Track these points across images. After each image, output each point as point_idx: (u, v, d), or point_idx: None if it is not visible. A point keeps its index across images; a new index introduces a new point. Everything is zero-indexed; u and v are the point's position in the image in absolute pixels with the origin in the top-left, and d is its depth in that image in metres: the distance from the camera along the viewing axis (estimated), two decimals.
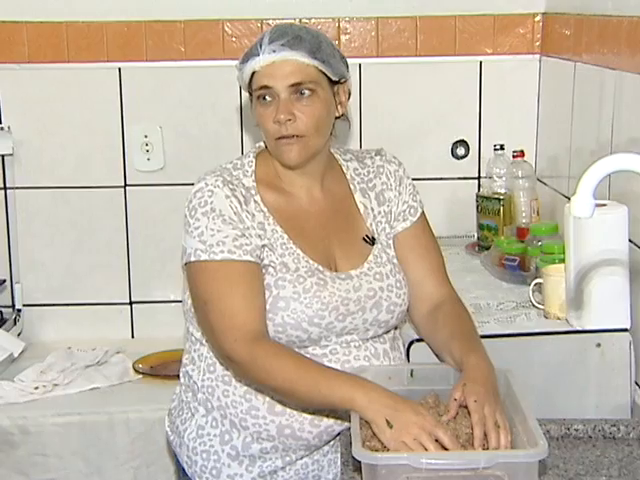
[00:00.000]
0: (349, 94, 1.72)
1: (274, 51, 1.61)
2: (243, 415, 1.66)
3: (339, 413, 1.63)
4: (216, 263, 1.59)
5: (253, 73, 1.64)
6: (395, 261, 1.72)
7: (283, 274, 1.62)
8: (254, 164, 1.70)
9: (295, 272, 1.62)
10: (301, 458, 1.69)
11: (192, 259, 1.62)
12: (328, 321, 1.62)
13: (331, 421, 1.65)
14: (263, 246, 1.62)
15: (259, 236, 1.62)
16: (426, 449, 1.38)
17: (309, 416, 1.64)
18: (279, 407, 1.64)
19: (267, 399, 1.64)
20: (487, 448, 1.41)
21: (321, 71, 1.63)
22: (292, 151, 1.63)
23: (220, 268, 1.59)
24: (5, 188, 2.71)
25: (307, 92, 1.62)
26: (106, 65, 2.65)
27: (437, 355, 1.69)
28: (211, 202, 1.61)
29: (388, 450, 1.41)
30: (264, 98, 1.63)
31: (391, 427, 1.41)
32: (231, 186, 1.63)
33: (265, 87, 1.62)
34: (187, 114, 2.69)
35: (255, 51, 1.63)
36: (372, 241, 1.71)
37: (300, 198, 1.70)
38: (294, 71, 1.61)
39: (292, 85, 1.61)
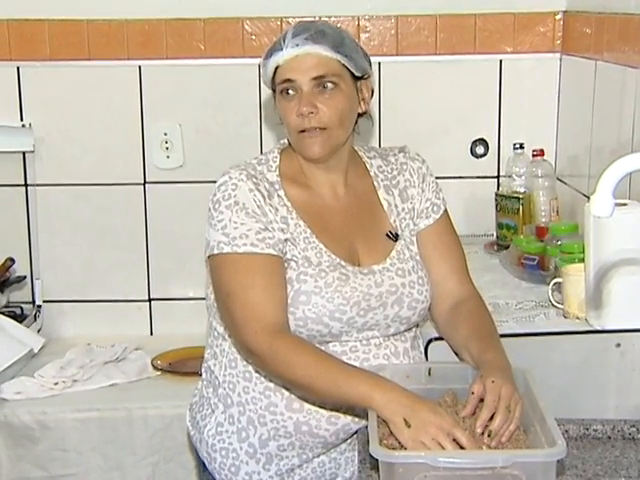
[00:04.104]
0: (372, 92, 1.72)
1: (297, 45, 1.62)
2: (262, 411, 1.66)
3: (356, 411, 1.63)
4: (239, 256, 1.60)
5: (276, 68, 1.65)
6: (418, 258, 1.73)
7: (305, 268, 1.62)
8: (278, 159, 1.71)
9: (317, 266, 1.63)
10: (318, 456, 1.70)
11: (215, 252, 1.62)
12: (349, 316, 1.62)
13: (348, 419, 1.65)
14: (286, 240, 1.63)
15: (282, 230, 1.63)
16: (444, 449, 1.38)
17: (326, 414, 1.64)
18: (297, 404, 1.64)
19: (285, 396, 1.65)
20: (490, 435, 1.42)
21: (344, 66, 1.64)
22: (315, 144, 1.64)
23: (243, 261, 1.60)
24: (26, 185, 2.73)
25: (330, 85, 1.63)
26: (126, 63, 2.67)
27: (456, 353, 1.69)
28: (235, 195, 1.62)
29: (406, 449, 1.41)
30: (287, 92, 1.64)
31: (409, 427, 1.41)
32: (255, 180, 1.64)
33: (288, 80, 1.63)
34: (207, 112, 2.70)
35: (278, 46, 1.64)
36: (395, 237, 1.72)
37: (324, 194, 1.71)
38: (317, 64, 1.62)
39: (315, 78, 1.62)
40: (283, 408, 1.65)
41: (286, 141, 1.74)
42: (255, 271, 1.59)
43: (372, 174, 1.76)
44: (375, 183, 1.75)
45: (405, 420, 1.42)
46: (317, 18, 2.60)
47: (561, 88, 2.67)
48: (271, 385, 1.65)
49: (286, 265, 1.63)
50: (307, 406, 1.64)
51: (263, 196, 1.63)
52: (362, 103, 1.70)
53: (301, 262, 1.63)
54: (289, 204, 1.66)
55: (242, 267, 1.60)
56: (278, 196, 1.66)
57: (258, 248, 1.60)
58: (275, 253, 1.61)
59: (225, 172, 1.66)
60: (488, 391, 1.46)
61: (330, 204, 1.71)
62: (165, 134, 2.71)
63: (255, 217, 1.61)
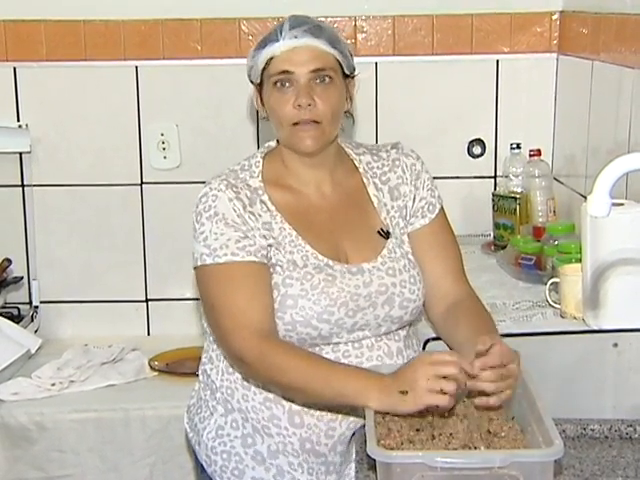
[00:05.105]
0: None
1: (296, 37, 1.61)
2: (265, 422, 1.65)
3: (351, 412, 1.63)
4: (220, 266, 1.60)
5: (270, 59, 1.63)
6: (410, 257, 1.71)
7: (290, 272, 1.62)
8: (261, 164, 1.70)
9: (303, 269, 1.62)
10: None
11: (198, 263, 1.63)
12: (337, 317, 1.62)
13: (344, 428, 1.65)
14: (269, 246, 1.62)
15: (264, 236, 1.62)
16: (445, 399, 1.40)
17: (324, 427, 1.64)
18: (298, 418, 1.64)
19: (287, 408, 1.64)
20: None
21: (338, 62, 1.64)
22: (309, 137, 1.63)
23: (224, 271, 1.60)
24: (23, 185, 2.72)
25: (327, 79, 1.63)
26: (123, 63, 2.67)
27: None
28: (215, 206, 1.61)
29: (403, 446, 1.40)
30: (282, 84, 1.63)
31: (406, 393, 1.42)
32: (235, 189, 1.63)
33: (285, 72, 1.62)
34: (203, 112, 2.70)
35: (274, 37, 1.63)
36: (387, 235, 1.71)
37: (309, 194, 1.70)
38: (315, 57, 1.62)
39: (313, 71, 1.61)
40: (287, 422, 1.64)
41: (271, 144, 1.73)
42: (237, 280, 1.59)
43: (361, 170, 1.75)
44: (364, 179, 1.74)
45: (401, 392, 1.42)
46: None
47: (558, 88, 2.67)
48: (271, 396, 1.64)
49: (272, 270, 1.62)
50: (307, 420, 1.64)
51: (244, 204, 1.62)
52: (348, 101, 1.70)
53: (286, 266, 1.62)
54: (273, 208, 1.65)
55: (224, 277, 1.60)
56: (261, 201, 1.65)
57: (238, 257, 1.59)
58: (257, 260, 1.60)
59: (207, 183, 1.65)
60: (492, 346, 1.46)
61: (316, 203, 1.69)
62: (162, 134, 2.71)
63: (234, 226, 1.60)
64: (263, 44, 1.64)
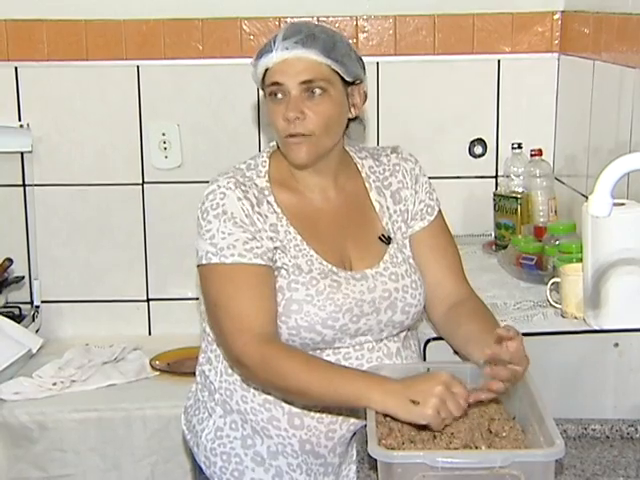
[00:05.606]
0: (365, 97, 1.70)
1: (287, 48, 1.60)
2: (265, 424, 1.65)
3: (350, 413, 1.63)
4: (226, 266, 1.59)
5: (266, 70, 1.63)
6: (411, 261, 1.72)
7: (296, 276, 1.61)
8: (267, 164, 1.69)
9: (308, 274, 1.62)
10: None
11: (203, 262, 1.62)
12: (342, 323, 1.61)
13: (344, 430, 1.65)
14: (275, 248, 1.62)
15: (271, 239, 1.62)
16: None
17: (324, 429, 1.64)
18: (297, 420, 1.63)
19: (286, 410, 1.64)
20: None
21: (335, 71, 1.62)
22: (300, 151, 1.62)
23: (230, 271, 1.59)
24: (24, 185, 2.73)
25: (318, 91, 1.61)
26: (124, 63, 2.67)
27: (456, 352, 1.68)
28: (223, 205, 1.60)
29: (404, 446, 1.40)
30: (275, 95, 1.63)
31: (417, 404, 1.42)
32: (243, 188, 1.62)
33: (276, 84, 1.61)
34: (205, 112, 2.70)
35: (269, 48, 1.63)
36: (388, 240, 1.71)
37: (314, 198, 1.70)
38: (306, 68, 1.60)
39: (303, 82, 1.60)
40: (286, 424, 1.64)
41: (275, 144, 1.72)
42: (242, 282, 1.58)
43: (363, 175, 1.74)
44: (367, 184, 1.74)
45: (412, 401, 1.42)
46: (315, 18, 2.60)
47: (559, 88, 2.67)
48: (270, 398, 1.64)
49: (276, 273, 1.61)
50: (307, 422, 1.64)
51: (252, 204, 1.61)
52: (353, 108, 1.68)
53: (292, 270, 1.61)
54: (279, 210, 1.65)
55: (229, 278, 1.59)
56: (267, 202, 1.64)
57: (246, 258, 1.59)
58: (263, 263, 1.60)
59: (213, 180, 1.64)
60: (512, 339, 1.46)
61: (321, 207, 1.69)
62: (163, 134, 2.71)
63: (243, 227, 1.59)
64: (260, 55, 1.65)
